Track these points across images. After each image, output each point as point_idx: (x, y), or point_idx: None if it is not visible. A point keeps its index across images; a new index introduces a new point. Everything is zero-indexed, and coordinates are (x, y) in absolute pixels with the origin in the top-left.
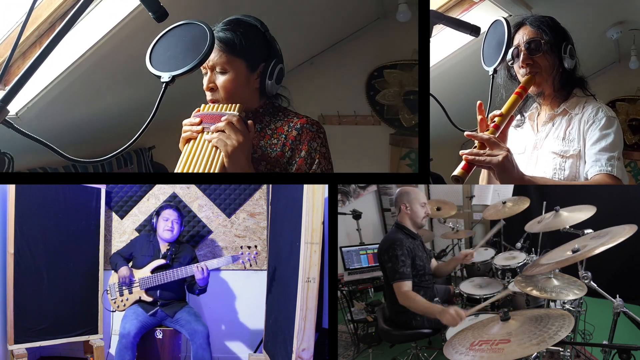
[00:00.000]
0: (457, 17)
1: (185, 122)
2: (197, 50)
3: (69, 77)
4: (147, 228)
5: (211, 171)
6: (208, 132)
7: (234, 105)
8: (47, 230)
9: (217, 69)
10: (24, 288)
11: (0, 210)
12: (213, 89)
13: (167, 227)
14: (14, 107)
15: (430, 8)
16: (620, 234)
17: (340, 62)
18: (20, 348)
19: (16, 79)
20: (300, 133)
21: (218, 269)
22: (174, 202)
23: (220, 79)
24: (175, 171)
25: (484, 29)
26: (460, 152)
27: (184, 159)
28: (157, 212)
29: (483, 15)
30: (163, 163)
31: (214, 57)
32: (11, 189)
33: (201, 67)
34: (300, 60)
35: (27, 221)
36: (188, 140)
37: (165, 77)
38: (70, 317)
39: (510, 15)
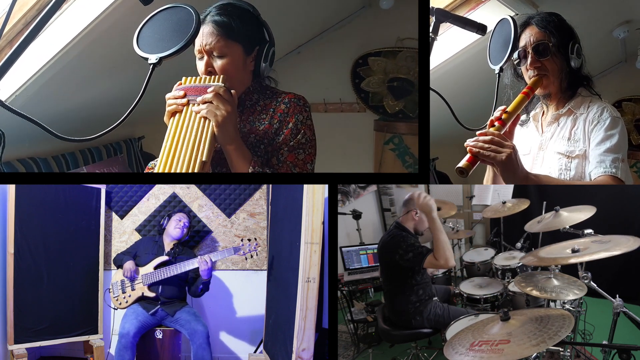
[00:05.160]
0: (464, 16)
1: (168, 95)
2: (184, 32)
3: (56, 64)
4: (150, 229)
5: (202, 141)
6: (194, 104)
7: (216, 76)
8: (47, 230)
9: (215, 53)
10: (24, 288)
11: (0, 210)
12: (211, 72)
13: (178, 226)
14: (1, 95)
15: (437, 6)
16: (624, 244)
17: (327, 50)
18: (20, 348)
19: (4, 59)
20: (288, 107)
21: (215, 269)
22: (178, 206)
23: (219, 63)
24: (164, 145)
25: (490, 27)
26: (466, 143)
27: (172, 131)
28: (169, 215)
29: (489, 14)
30: (152, 153)
31: (211, 41)
32: (11, 189)
33: (197, 52)
34: (287, 49)
35: (27, 221)
36: (174, 114)
37: (153, 58)
38: (70, 317)
39: (517, 14)
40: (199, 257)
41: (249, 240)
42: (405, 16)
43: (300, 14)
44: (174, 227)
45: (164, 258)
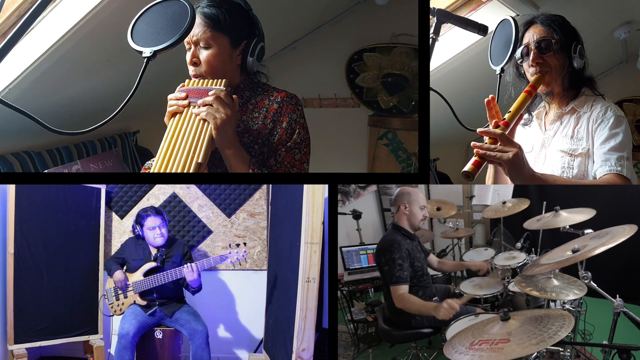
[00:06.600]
0: (465, 17)
1: (170, 96)
2: (179, 25)
3: (50, 57)
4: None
5: (200, 142)
6: (195, 106)
7: (220, 80)
8: (47, 230)
9: (201, 44)
10: (24, 288)
11: (0, 210)
12: (196, 63)
13: (157, 235)
14: None
15: (438, 7)
16: (621, 234)
17: (322, 46)
18: (20, 348)
19: None
20: (281, 106)
21: (215, 269)
22: (150, 207)
23: (204, 54)
24: (162, 144)
25: (491, 28)
26: (472, 143)
27: (171, 132)
28: (139, 223)
29: (491, 15)
30: (147, 147)
31: (198, 32)
32: (11, 189)
33: (185, 42)
34: (282, 44)
35: (27, 221)
36: (174, 115)
37: (147, 52)
38: (70, 317)
39: (518, 15)
40: (184, 266)
41: (238, 245)
42: (401, 12)
43: (295, 9)
44: (153, 238)
45: (153, 264)
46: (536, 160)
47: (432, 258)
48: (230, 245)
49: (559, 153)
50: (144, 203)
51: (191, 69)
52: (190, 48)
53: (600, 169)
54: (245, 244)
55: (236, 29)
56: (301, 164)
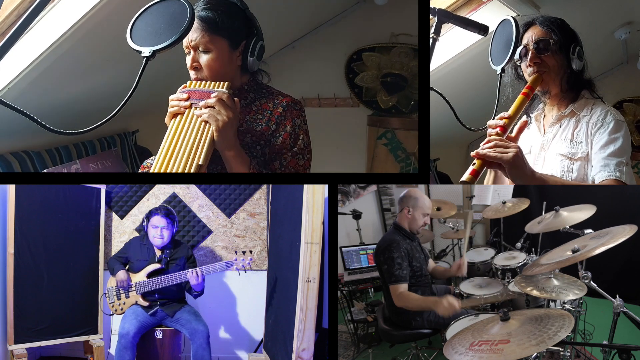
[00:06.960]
0: (466, 16)
1: (172, 97)
2: (178, 25)
3: (49, 57)
4: (139, 228)
5: (201, 144)
6: (196, 107)
7: (222, 82)
8: (47, 230)
9: (200, 49)
10: (24, 288)
11: (0, 210)
12: (197, 68)
13: (156, 235)
14: None
15: (439, 7)
16: (621, 234)
17: (321, 46)
18: (20, 348)
19: None
20: (286, 110)
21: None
22: (163, 207)
23: (204, 58)
24: (162, 145)
25: (492, 28)
26: (472, 153)
27: (172, 132)
28: (147, 217)
29: (491, 15)
30: (147, 147)
31: (196, 36)
32: (11, 189)
33: (184, 47)
34: (282, 44)
35: (27, 221)
36: (175, 115)
37: (146, 52)
38: (70, 317)
39: (519, 15)
40: (190, 270)
41: (244, 252)
42: (400, 12)
43: (295, 8)
44: (153, 237)
45: (157, 266)
46: (535, 163)
47: (430, 263)
48: (236, 252)
49: (559, 157)
50: (144, 203)
51: (192, 74)
52: (189, 53)
53: (599, 174)
54: (251, 251)
55: (234, 29)
56: (304, 170)
